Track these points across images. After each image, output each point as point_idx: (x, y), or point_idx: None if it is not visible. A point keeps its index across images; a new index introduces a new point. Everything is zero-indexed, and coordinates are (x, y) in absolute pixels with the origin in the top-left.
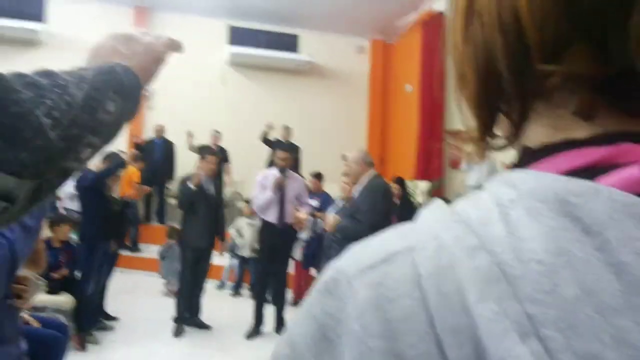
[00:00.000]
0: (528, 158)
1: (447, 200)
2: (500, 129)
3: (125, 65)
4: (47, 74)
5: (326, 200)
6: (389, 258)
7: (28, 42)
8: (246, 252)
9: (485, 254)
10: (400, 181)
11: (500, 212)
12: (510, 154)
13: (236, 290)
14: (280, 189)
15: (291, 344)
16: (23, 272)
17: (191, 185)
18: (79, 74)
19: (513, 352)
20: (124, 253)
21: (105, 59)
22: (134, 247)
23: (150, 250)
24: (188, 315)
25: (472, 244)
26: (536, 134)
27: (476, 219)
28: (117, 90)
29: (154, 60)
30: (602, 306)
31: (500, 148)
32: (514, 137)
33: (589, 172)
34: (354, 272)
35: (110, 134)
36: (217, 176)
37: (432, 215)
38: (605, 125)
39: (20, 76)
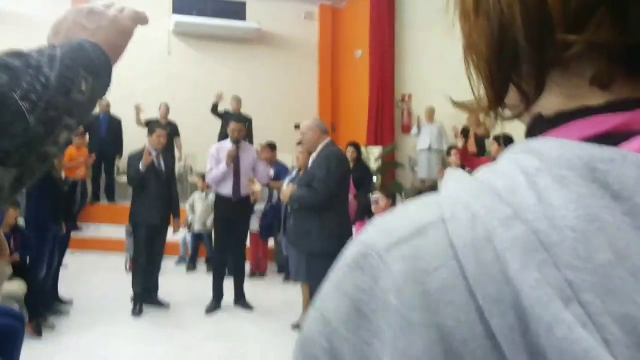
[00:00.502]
0: (542, 126)
1: (399, 165)
2: (510, 99)
3: (93, 42)
4: (17, 54)
5: (281, 170)
6: (421, 230)
7: None
8: (198, 227)
9: (521, 224)
10: (355, 146)
11: (528, 181)
12: (461, 118)
13: (192, 266)
14: (234, 161)
15: (324, 321)
16: None
17: (141, 167)
18: (49, 52)
19: (559, 318)
20: (76, 235)
21: (69, 35)
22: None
23: (101, 230)
24: (146, 294)
25: (506, 214)
26: (550, 102)
27: (504, 188)
28: (88, 68)
29: (121, 34)
30: (635, 269)
31: (511, 118)
32: (526, 106)
33: (608, 139)
34: (385, 247)
35: (84, 115)
36: (168, 151)
37: (457, 185)
38: (620, 93)
39: None
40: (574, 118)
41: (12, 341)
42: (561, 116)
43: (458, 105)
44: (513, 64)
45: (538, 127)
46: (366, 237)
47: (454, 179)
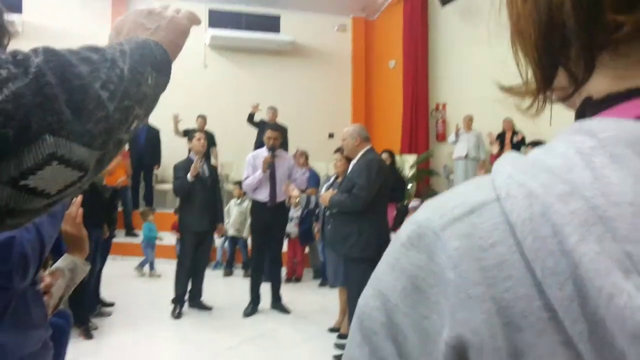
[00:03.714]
0: (592, 108)
1: (434, 172)
2: (558, 82)
3: (155, 40)
4: (94, 49)
5: (312, 177)
6: (475, 209)
7: None
8: (232, 232)
9: (578, 199)
10: (389, 153)
11: (583, 160)
12: (498, 126)
13: (228, 271)
14: (270, 167)
15: (381, 297)
16: (70, 258)
17: (189, 177)
18: (120, 48)
19: (620, 287)
20: (117, 240)
21: (130, 34)
22: (130, 232)
23: (140, 236)
24: (191, 298)
25: (563, 190)
26: (599, 84)
27: (558, 167)
28: (153, 64)
29: (179, 33)
30: None
31: (560, 100)
32: (575, 88)
33: None
34: (440, 225)
35: (150, 107)
36: (208, 159)
37: (512, 165)
38: None
39: (72, 52)
40: (624, 99)
41: (60, 340)
42: (611, 97)
43: (506, 89)
44: (561, 46)
45: (588, 109)
46: (420, 217)
47: (508, 160)
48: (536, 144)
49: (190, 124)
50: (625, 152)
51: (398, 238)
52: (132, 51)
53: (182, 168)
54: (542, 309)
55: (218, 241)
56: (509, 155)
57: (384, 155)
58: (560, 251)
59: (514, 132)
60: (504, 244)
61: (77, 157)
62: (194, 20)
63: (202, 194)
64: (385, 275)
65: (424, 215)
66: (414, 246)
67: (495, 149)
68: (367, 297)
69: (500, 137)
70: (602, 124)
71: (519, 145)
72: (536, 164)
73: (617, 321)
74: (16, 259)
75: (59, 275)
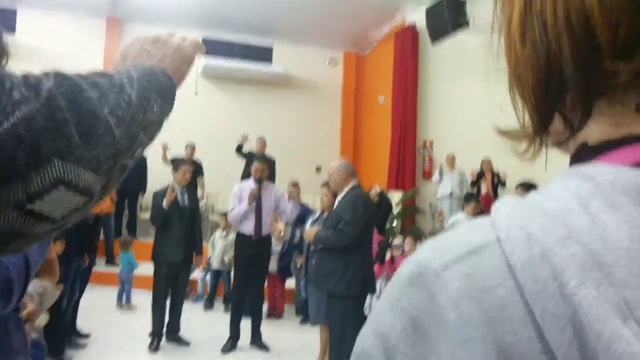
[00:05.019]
0: (588, 153)
1: (420, 210)
2: (554, 127)
3: (161, 67)
4: (102, 74)
5: (305, 212)
6: (476, 250)
7: None
8: (216, 264)
9: (576, 244)
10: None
11: (580, 204)
12: (476, 163)
13: (209, 304)
14: (256, 200)
15: (381, 337)
16: (39, 283)
17: (165, 204)
18: (127, 74)
19: (618, 333)
20: (97, 269)
21: (136, 60)
22: (111, 261)
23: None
24: (168, 332)
25: (562, 234)
26: (595, 130)
27: (557, 210)
28: (158, 90)
29: (184, 61)
30: None
31: (555, 145)
32: (570, 134)
33: None
34: (441, 265)
35: (154, 133)
36: (192, 188)
37: (511, 207)
38: None
39: (82, 76)
40: (620, 145)
41: None
42: (607, 144)
43: (502, 133)
44: (559, 92)
45: (584, 154)
46: (420, 257)
47: (507, 202)
48: (526, 185)
49: (179, 150)
50: (622, 199)
51: (398, 277)
52: (139, 78)
53: (160, 196)
54: (542, 352)
55: (199, 274)
56: (507, 198)
57: (374, 191)
58: (560, 295)
59: (494, 173)
60: (505, 285)
61: (84, 182)
62: (199, 48)
63: (179, 224)
64: (385, 314)
65: (424, 255)
66: (414, 285)
67: (483, 188)
68: (366, 336)
69: (481, 177)
70: (599, 170)
71: (496, 186)
72: (535, 207)
73: None
74: (0, 284)
75: (28, 301)
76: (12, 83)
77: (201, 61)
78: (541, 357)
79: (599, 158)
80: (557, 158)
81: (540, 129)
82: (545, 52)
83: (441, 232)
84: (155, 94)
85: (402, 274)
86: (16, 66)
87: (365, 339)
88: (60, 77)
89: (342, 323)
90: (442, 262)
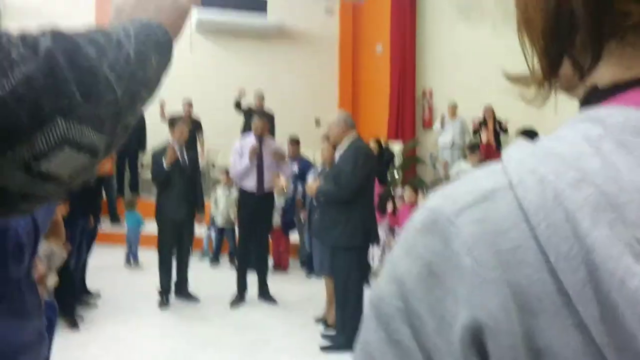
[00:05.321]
0: (598, 96)
1: (420, 160)
2: (564, 70)
3: (157, 21)
4: (99, 31)
5: (305, 165)
6: (488, 195)
7: None
8: (220, 222)
9: (589, 186)
10: (377, 141)
11: (592, 147)
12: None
13: (215, 260)
14: (257, 156)
15: (398, 282)
16: (46, 244)
17: (165, 165)
18: (124, 30)
19: (631, 271)
20: (102, 229)
21: (132, 15)
22: (115, 220)
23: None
24: (177, 288)
25: (574, 177)
26: (605, 73)
27: (568, 154)
28: (156, 46)
29: (180, 14)
30: None
31: (564, 89)
32: (580, 77)
33: None
34: (454, 211)
35: (154, 89)
36: (192, 146)
37: (520, 152)
38: None
39: (79, 34)
40: (631, 87)
41: (49, 329)
42: (618, 86)
43: (511, 78)
44: (568, 34)
45: (594, 97)
46: (433, 203)
47: (518, 147)
48: (528, 132)
49: (177, 107)
50: (633, 140)
51: (412, 224)
52: (136, 33)
53: (160, 154)
54: (556, 293)
55: (204, 231)
56: (519, 143)
57: (372, 144)
58: (573, 236)
59: (496, 120)
60: (518, 229)
61: (88, 141)
62: (194, 0)
63: (180, 182)
64: (400, 260)
65: (437, 202)
66: (429, 232)
67: (484, 137)
68: (382, 283)
69: (483, 125)
70: (609, 112)
71: (498, 134)
72: (546, 151)
73: (629, 304)
74: (11, 246)
75: (37, 262)
76: (9, 42)
77: (195, 15)
78: (556, 298)
79: (609, 101)
80: (566, 103)
81: (549, 73)
82: None
83: (445, 182)
84: (153, 49)
85: (416, 221)
86: (6, 25)
87: (380, 286)
88: (58, 35)
89: (346, 274)
90: (455, 209)
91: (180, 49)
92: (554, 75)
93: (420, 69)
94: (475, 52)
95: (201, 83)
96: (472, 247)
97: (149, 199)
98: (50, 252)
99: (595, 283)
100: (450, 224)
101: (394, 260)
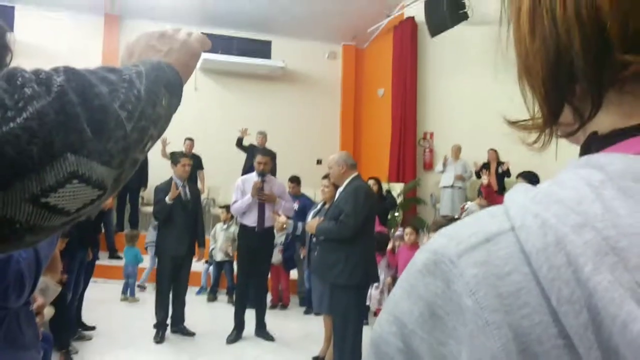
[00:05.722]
0: (598, 143)
1: (421, 201)
2: (564, 117)
3: (168, 62)
4: (111, 69)
5: (306, 204)
6: (491, 238)
7: None
8: (219, 257)
9: (591, 230)
10: (376, 180)
11: (593, 192)
12: (482, 157)
13: (212, 296)
14: (259, 193)
15: (398, 322)
16: (41, 279)
17: (168, 199)
18: (136, 69)
19: (633, 315)
20: (99, 262)
21: (142, 56)
22: (113, 255)
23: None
24: (173, 324)
25: (576, 221)
26: (605, 121)
27: (570, 198)
28: (166, 85)
29: (191, 56)
30: None
31: (565, 135)
32: (580, 124)
33: None
34: (457, 253)
35: (163, 127)
36: (193, 182)
37: (522, 196)
38: None
39: (91, 71)
40: (630, 135)
41: None
42: (617, 133)
43: (512, 124)
44: (568, 83)
45: (594, 144)
46: (435, 245)
47: (521, 191)
48: (528, 175)
49: (178, 146)
50: (634, 186)
51: (414, 265)
52: (147, 72)
53: (163, 190)
54: (558, 336)
55: (202, 266)
56: (520, 186)
57: (371, 182)
58: (575, 280)
59: (499, 163)
60: (520, 272)
61: (97, 175)
62: (205, 43)
63: (182, 218)
64: (402, 301)
65: (440, 243)
66: (430, 273)
67: (485, 179)
68: (383, 323)
69: (485, 167)
70: (610, 159)
71: (503, 175)
72: (548, 195)
73: (631, 348)
74: (12, 277)
75: (36, 295)
76: (23, 79)
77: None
78: (557, 341)
79: (609, 148)
80: (566, 149)
81: (550, 120)
82: (555, 45)
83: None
84: (163, 89)
85: (417, 261)
86: (14, 63)
87: (382, 326)
88: (70, 72)
89: (345, 313)
90: (458, 250)
91: (185, 87)
92: (554, 122)
93: (421, 113)
94: (476, 97)
95: (204, 122)
96: (474, 289)
97: (148, 233)
98: (45, 286)
99: (597, 327)
100: (453, 266)
101: (395, 300)
